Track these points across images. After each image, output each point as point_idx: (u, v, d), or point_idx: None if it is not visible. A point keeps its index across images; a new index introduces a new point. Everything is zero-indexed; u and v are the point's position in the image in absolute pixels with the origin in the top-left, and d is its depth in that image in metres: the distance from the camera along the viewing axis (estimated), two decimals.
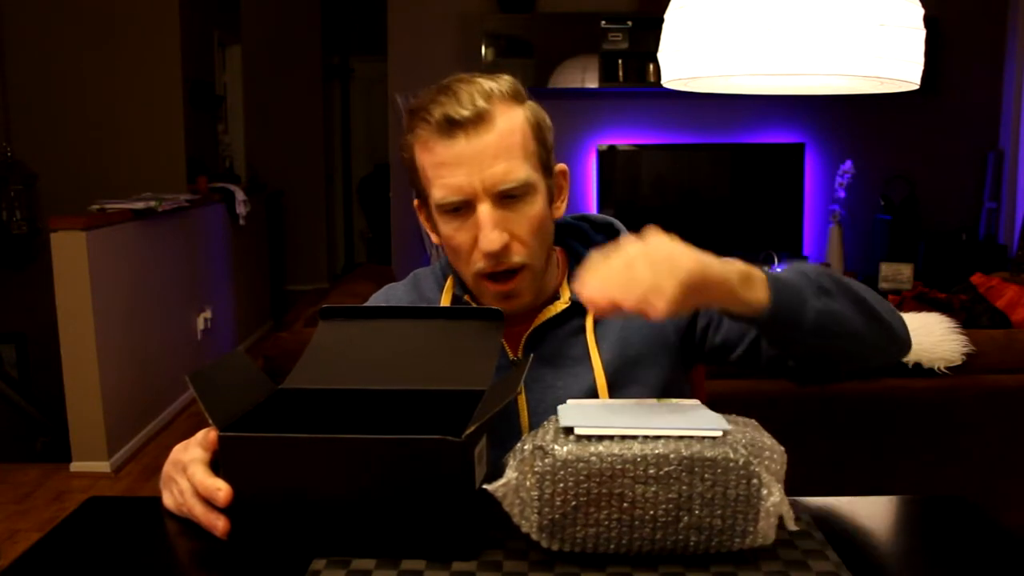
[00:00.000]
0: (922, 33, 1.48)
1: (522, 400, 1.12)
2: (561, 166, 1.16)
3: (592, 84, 5.28)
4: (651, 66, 5.19)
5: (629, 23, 5.20)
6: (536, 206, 1.08)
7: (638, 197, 5.48)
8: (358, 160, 8.48)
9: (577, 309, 1.14)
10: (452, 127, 1.04)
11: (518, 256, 1.07)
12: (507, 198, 1.06)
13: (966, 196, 5.50)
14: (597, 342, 1.12)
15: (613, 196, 5.41)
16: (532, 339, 1.14)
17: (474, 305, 1.15)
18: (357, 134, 8.44)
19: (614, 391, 1.11)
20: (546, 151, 1.11)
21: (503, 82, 1.09)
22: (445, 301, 1.19)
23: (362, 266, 5.54)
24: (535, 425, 1.11)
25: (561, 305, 1.13)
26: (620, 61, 5.25)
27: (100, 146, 5.08)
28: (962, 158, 5.48)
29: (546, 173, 1.11)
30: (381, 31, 5.65)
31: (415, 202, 1.19)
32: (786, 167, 5.43)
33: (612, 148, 5.42)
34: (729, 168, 5.47)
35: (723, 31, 1.43)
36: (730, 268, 0.88)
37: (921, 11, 1.49)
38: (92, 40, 5.03)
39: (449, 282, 1.20)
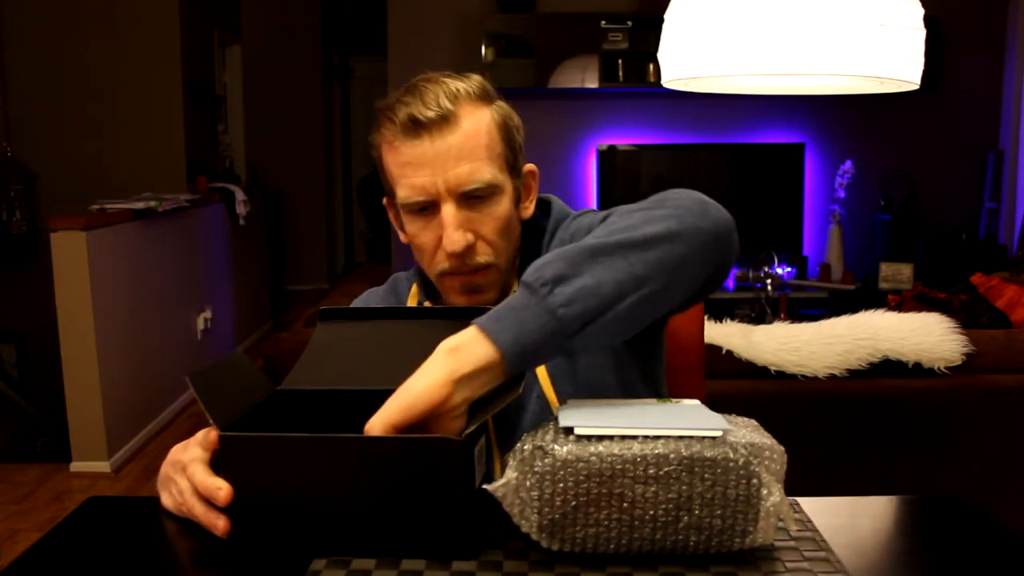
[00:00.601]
0: (922, 33, 1.48)
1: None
2: (530, 166, 1.17)
3: (592, 84, 5.28)
4: (651, 66, 5.19)
5: (629, 23, 5.20)
6: (501, 206, 1.08)
7: (638, 197, 5.39)
8: (358, 160, 8.48)
9: None
10: (416, 128, 1.04)
11: (483, 256, 1.08)
12: (472, 199, 1.06)
13: (966, 196, 5.50)
14: None
15: (613, 196, 5.41)
16: None
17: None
18: (357, 134, 8.44)
19: (556, 381, 1.09)
20: (513, 152, 1.11)
21: (471, 82, 1.09)
22: (411, 304, 1.19)
23: (362, 266, 5.54)
24: (501, 429, 1.11)
25: None
26: (620, 61, 5.25)
27: (100, 146, 5.08)
28: (962, 158, 5.48)
29: (513, 174, 1.11)
30: (381, 31, 5.66)
31: (384, 200, 1.19)
32: (786, 167, 5.43)
33: (612, 148, 5.42)
34: (729, 168, 5.47)
35: (723, 31, 1.43)
36: (437, 374, 0.80)
37: (921, 11, 1.48)
38: (92, 40, 5.03)
39: (414, 288, 1.21)
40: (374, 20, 6.40)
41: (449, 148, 1.04)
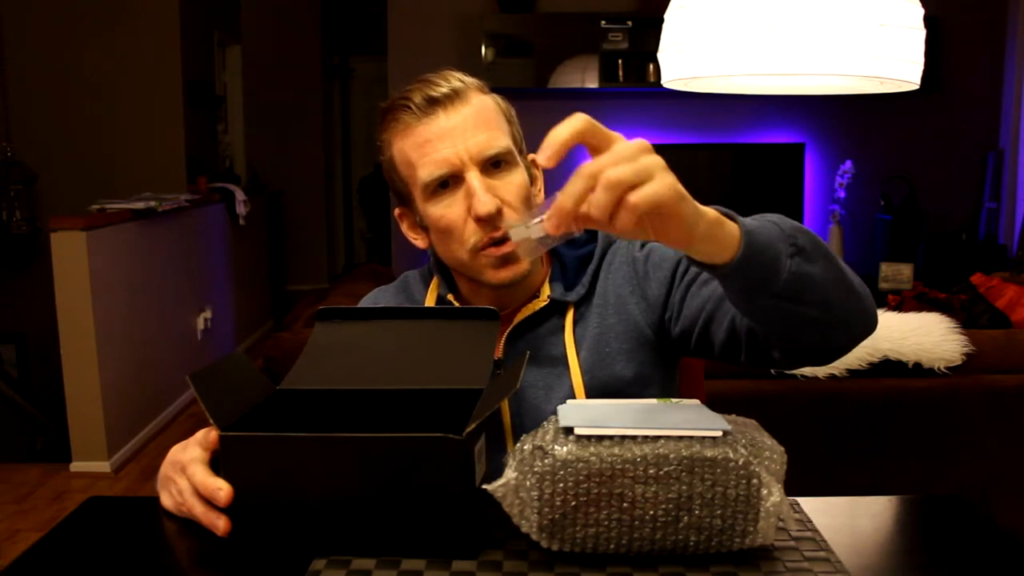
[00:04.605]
0: (922, 33, 1.48)
1: (504, 401, 1.12)
2: (533, 156, 1.18)
3: (592, 84, 5.28)
4: (651, 66, 5.19)
5: (629, 23, 5.20)
6: (520, 176, 1.10)
7: None
8: (358, 160, 8.48)
9: (556, 308, 1.15)
10: (431, 104, 1.07)
11: (512, 219, 1.08)
12: (492, 167, 1.08)
13: (966, 196, 5.50)
14: (575, 342, 1.13)
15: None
16: (512, 338, 1.14)
17: (456, 305, 1.16)
18: (357, 134, 8.44)
19: (592, 392, 1.11)
20: (519, 136, 1.15)
21: (470, 76, 1.13)
22: (429, 302, 1.19)
23: (362, 266, 5.54)
24: (517, 426, 1.12)
25: (540, 303, 1.14)
26: (620, 61, 5.25)
27: (100, 146, 5.08)
28: (962, 158, 5.48)
29: (522, 156, 1.14)
30: (381, 31, 5.66)
31: (397, 211, 1.20)
32: (786, 167, 5.43)
33: None
34: (729, 168, 5.47)
35: (723, 31, 1.43)
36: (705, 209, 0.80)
37: (921, 11, 1.48)
38: (92, 40, 5.03)
39: (434, 282, 1.21)
40: (374, 20, 6.40)
41: (465, 119, 1.07)
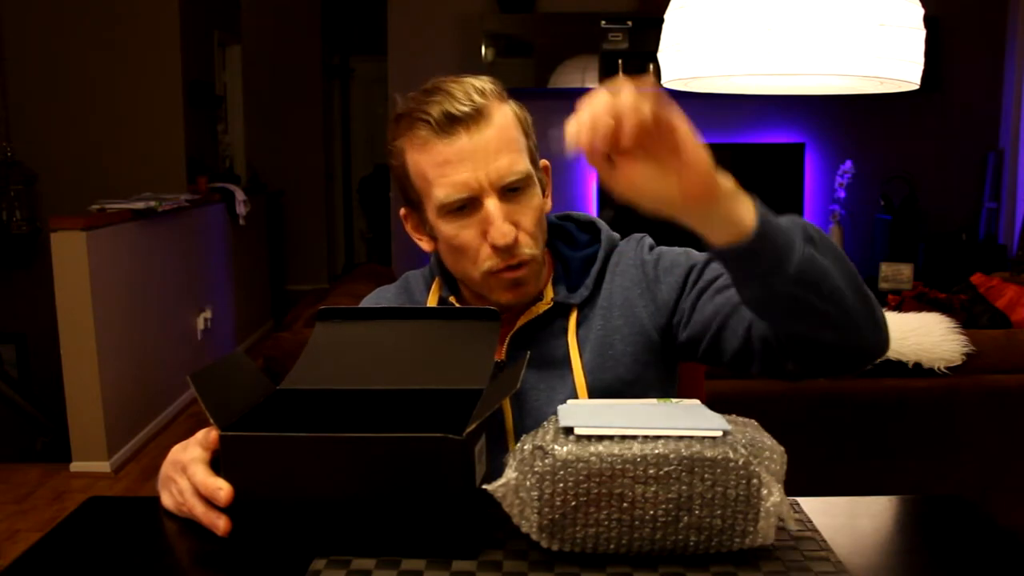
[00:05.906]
0: (922, 33, 1.48)
1: (506, 402, 1.12)
2: (544, 161, 1.18)
3: (592, 84, 5.27)
4: (651, 66, 5.19)
5: (629, 23, 5.20)
6: (536, 197, 1.09)
7: None
8: (358, 160, 8.48)
9: (559, 311, 1.14)
10: (453, 124, 1.04)
11: (527, 248, 1.08)
12: (511, 191, 1.06)
13: (966, 196, 5.50)
14: (579, 344, 1.13)
15: (613, 196, 5.41)
16: (515, 340, 1.14)
17: (457, 306, 1.16)
18: (357, 134, 8.44)
19: (595, 393, 1.11)
20: (534, 147, 1.14)
21: (487, 81, 1.10)
22: (431, 302, 1.19)
23: (362, 266, 5.54)
24: (518, 427, 1.12)
25: (544, 306, 1.14)
26: (620, 61, 5.26)
27: (100, 146, 5.08)
28: (962, 158, 5.48)
29: (535, 166, 1.13)
30: (381, 31, 5.66)
31: (402, 211, 1.18)
32: (786, 167, 5.42)
33: None
34: (729, 168, 5.38)
35: (723, 31, 1.43)
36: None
37: (921, 11, 1.49)
38: (92, 40, 5.03)
39: (436, 283, 1.21)
40: (374, 20, 6.40)
41: (488, 142, 1.04)
